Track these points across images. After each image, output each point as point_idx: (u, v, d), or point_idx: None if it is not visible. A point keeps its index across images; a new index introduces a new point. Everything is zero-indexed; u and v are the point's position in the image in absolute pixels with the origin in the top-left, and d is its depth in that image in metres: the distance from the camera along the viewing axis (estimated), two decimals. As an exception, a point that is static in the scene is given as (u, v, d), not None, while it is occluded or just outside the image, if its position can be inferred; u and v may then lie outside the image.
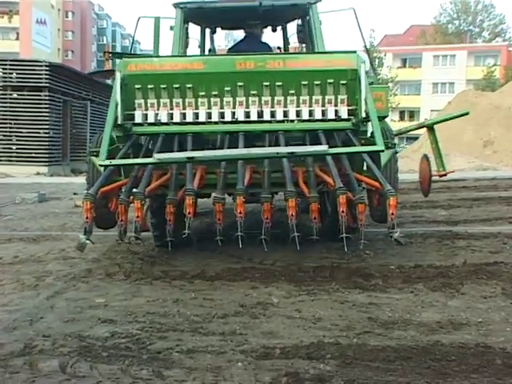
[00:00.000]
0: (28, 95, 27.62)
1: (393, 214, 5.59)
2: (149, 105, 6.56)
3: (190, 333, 4.54)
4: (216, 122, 6.53)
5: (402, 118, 76.49)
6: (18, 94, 27.77)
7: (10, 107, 27.82)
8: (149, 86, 6.52)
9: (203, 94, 6.54)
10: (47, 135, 27.59)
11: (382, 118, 6.79)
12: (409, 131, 10.66)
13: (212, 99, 6.52)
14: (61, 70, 29.66)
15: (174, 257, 7.07)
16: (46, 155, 27.64)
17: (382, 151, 5.94)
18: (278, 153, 5.97)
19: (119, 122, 6.30)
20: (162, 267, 6.65)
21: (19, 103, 27.71)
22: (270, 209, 5.80)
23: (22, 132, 27.64)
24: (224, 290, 5.70)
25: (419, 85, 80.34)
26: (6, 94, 27.89)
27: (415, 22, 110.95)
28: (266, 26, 9.57)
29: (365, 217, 5.90)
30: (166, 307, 5.17)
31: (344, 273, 6.19)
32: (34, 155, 27.31)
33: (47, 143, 27.72)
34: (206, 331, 4.57)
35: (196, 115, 6.54)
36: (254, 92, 6.50)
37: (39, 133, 27.51)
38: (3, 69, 27.99)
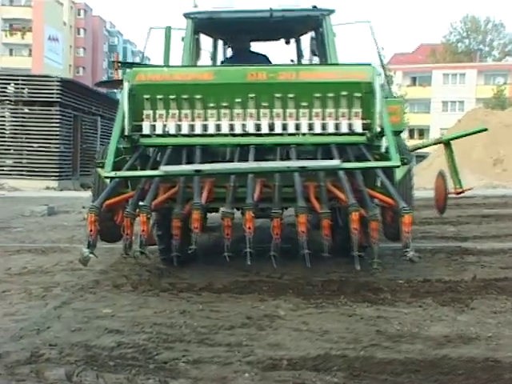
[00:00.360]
0: (39, 110, 27.84)
1: (407, 232, 5.41)
2: (157, 116, 6.43)
3: (196, 344, 4.52)
4: (226, 135, 6.40)
5: (411, 136, 76.36)
6: (30, 109, 28.00)
7: (22, 122, 28.05)
8: (158, 97, 6.39)
9: (213, 105, 6.40)
10: (58, 150, 27.75)
11: (397, 133, 6.64)
12: (425, 147, 10.41)
13: (222, 111, 6.38)
14: (72, 85, 29.91)
15: (182, 269, 7.05)
16: (56, 170, 27.77)
17: (398, 167, 5.78)
18: (288, 167, 5.78)
19: (126, 133, 6.18)
20: (169, 279, 6.64)
21: (30, 118, 27.94)
22: (279, 225, 5.62)
23: (32, 146, 27.82)
24: (231, 302, 5.68)
25: (429, 103, 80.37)
26: (17, 109, 28.14)
27: (425, 41, 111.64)
28: (278, 39, 9.52)
29: (378, 234, 5.67)
30: (173, 318, 5.15)
31: (352, 287, 6.17)
32: (44, 170, 27.44)
33: (57, 158, 27.87)
34: (213, 342, 4.55)
35: (205, 127, 6.41)
36: (266, 104, 6.35)
37: (50, 147, 27.66)
38: (15, 84, 28.26)
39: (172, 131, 6.41)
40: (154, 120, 6.44)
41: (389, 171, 6.09)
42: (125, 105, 6.16)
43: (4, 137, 28.13)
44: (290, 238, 6.97)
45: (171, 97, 6.37)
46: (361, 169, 6.03)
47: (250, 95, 6.33)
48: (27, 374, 3.88)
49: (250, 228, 5.54)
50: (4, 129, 28.28)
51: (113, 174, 5.82)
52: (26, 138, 27.86)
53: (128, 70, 6.78)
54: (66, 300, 5.78)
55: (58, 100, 27.64)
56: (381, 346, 4.42)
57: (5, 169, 28.05)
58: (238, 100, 6.35)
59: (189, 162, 6.23)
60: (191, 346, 4.47)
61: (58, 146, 27.77)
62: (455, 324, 4.96)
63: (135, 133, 6.39)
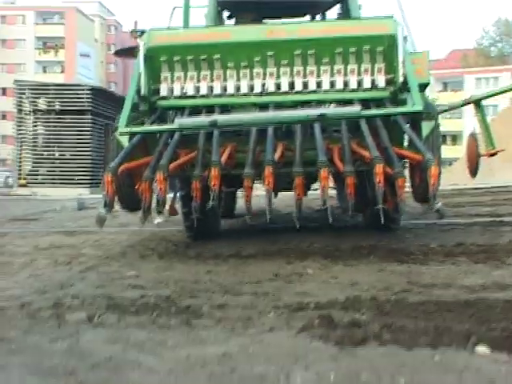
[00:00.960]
0: (71, 119, 28.22)
1: (434, 184, 5.16)
2: (175, 78, 6.23)
3: (221, 294, 4.41)
4: (245, 94, 6.17)
5: (444, 142, 75.40)
6: (61, 118, 28.37)
7: (54, 131, 28.44)
8: (175, 58, 6.19)
9: (232, 65, 6.17)
10: (90, 158, 28.03)
11: (422, 87, 6.26)
12: (454, 108, 9.63)
13: (241, 71, 6.15)
14: (103, 93, 30.35)
15: (209, 241, 6.97)
16: (88, 177, 28.06)
17: (421, 113, 5.46)
18: (307, 115, 5.42)
19: (142, 93, 5.98)
20: (196, 249, 6.56)
21: (63, 127, 28.30)
22: (302, 184, 5.37)
23: (65, 155, 28.16)
24: (258, 264, 5.56)
25: (461, 108, 79.22)
26: (49, 118, 28.57)
27: (457, 47, 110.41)
28: (304, 15, 9.33)
29: (404, 192, 5.43)
30: (198, 276, 5.05)
31: (383, 251, 5.99)
32: (76, 177, 27.75)
33: (89, 165, 28.17)
34: (238, 292, 4.43)
35: (224, 88, 6.19)
36: (285, 62, 6.11)
37: (82, 155, 27.99)
38: (47, 94, 28.71)
39: (190, 93, 6.21)
40: (172, 82, 6.24)
41: (416, 126, 5.82)
42: (141, 65, 5.94)
43: (36, 146, 28.55)
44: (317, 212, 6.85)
45: (189, 58, 6.17)
46: (382, 115, 5.76)
47: (269, 53, 6.09)
48: (47, 317, 3.80)
49: (269, 183, 5.30)
50: (37, 138, 28.72)
51: (127, 129, 5.68)
52: (59, 147, 28.25)
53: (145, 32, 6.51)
54: (91, 266, 5.72)
55: (90, 108, 28.01)
56: (412, 292, 4.24)
57: (38, 178, 28.46)
58: (257, 59, 6.11)
59: None
60: (216, 295, 4.36)
61: (89, 153, 28.06)
62: (490, 277, 4.74)
63: (153, 96, 6.22)
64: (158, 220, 7.19)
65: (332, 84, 6.11)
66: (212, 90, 6.19)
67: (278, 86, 6.12)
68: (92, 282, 4.93)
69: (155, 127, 6.05)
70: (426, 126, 5.80)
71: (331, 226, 6.21)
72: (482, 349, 2.98)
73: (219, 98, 6.21)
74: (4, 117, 69.79)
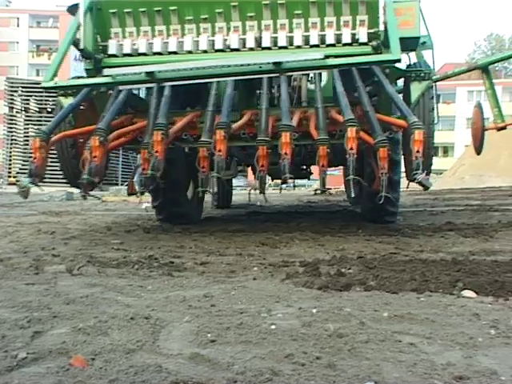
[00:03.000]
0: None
1: (418, 151, 4.41)
2: (127, 34, 5.42)
3: (205, 254, 4.32)
4: (204, 51, 5.28)
5: (435, 154, 75.48)
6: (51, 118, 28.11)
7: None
8: (125, 10, 5.36)
9: (190, 18, 5.31)
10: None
11: (412, 42, 5.51)
12: (457, 74, 8.10)
13: (201, 25, 5.31)
14: (95, 93, 30.03)
15: (199, 222, 6.88)
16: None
17: (398, 61, 4.58)
18: (260, 65, 4.50)
19: (82, 47, 5.14)
20: (183, 226, 6.45)
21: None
22: (289, 142, 4.48)
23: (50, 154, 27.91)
24: (245, 236, 5.47)
25: (453, 120, 79.58)
26: (41, 118, 28.35)
27: (449, 60, 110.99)
28: None
29: (387, 164, 4.52)
30: (183, 243, 4.98)
31: (372, 228, 5.92)
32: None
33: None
34: (223, 254, 4.35)
35: (180, 44, 5.33)
36: (252, 14, 5.24)
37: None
38: (39, 93, 28.53)
39: (142, 50, 5.38)
40: (122, 38, 5.44)
41: (404, 90, 5.31)
42: (81, 16, 5.06)
43: (28, 145, 28.32)
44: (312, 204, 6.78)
45: (141, 10, 5.36)
46: (351, 65, 4.82)
47: (233, 4, 5.24)
48: (26, 267, 3.70)
49: (220, 151, 4.52)
50: (28, 137, 28.50)
51: (52, 83, 4.82)
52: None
53: None
54: (75, 235, 5.63)
55: (81, 108, 27.78)
56: (400, 255, 4.18)
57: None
58: (219, 10, 5.27)
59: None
60: (200, 255, 4.28)
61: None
62: (478, 246, 4.69)
63: (98, 54, 5.40)
64: (146, 204, 7.06)
65: (306, 40, 5.21)
66: (167, 47, 5.37)
67: (244, 43, 5.27)
68: (74, 246, 4.83)
69: (82, 80, 5.27)
70: (416, 88, 5.22)
71: (321, 212, 6.12)
72: (468, 292, 2.92)
73: (174, 56, 5.33)
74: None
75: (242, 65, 4.53)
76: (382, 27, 4.89)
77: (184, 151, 5.66)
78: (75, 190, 18.04)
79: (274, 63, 4.42)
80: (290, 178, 8.15)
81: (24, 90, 29.07)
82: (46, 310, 2.61)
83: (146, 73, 4.58)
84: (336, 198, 12.77)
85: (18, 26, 77.91)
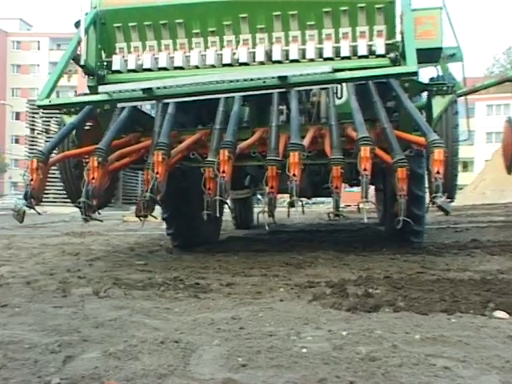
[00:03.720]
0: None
1: (438, 172, 4.08)
2: (132, 48, 5.16)
3: (230, 275, 4.31)
4: (212, 66, 4.97)
5: (455, 169, 74.97)
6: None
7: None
8: (130, 24, 5.11)
9: (197, 31, 5.04)
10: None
11: (434, 53, 5.18)
12: (487, 87, 7.30)
13: (209, 38, 5.02)
14: (115, 113, 30.32)
15: (222, 242, 6.88)
16: (99, 196, 28.02)
17: (414, 74, 4.18)
18: (264, 81, 4.14)
19: (82, 63, 4.86)
20: (206, 246, 6.45)
21: (74, 146, 28.35)
22: (297, 162, 4.20)
23: (76, 174, 28.18)
24: (269, 256, 5.45)
25: (472, 135, 79.22)
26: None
27: (467, 75, 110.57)
28: None
29: (406, 185, 4.21)
30: (207, 263, 4.97)
31: (395, 246, 5.86)
32: (87, 196, 27.72)
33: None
34: (248, 274, 4.34)
35: (187, 59, 5.04)
36: (262, 26, 4.92)
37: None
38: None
39: (147, 65, 5.08)
40: (129, 53, 5.17)
41: (427, 105, 4.98)
42: (82, 30, 4.83)
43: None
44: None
45: (147, 23, 5.09)
46: (363, 79, 4.47)
47: (242, 15, 4.93)
48: (53, 290, 3.72)
49: (224, 172, 4.32)
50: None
51: (47, 101, 4.55)
52: (70, 166, 28.26)
53: None
54: (99, 256, 5.66)
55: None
56: (427, 274, 4.13)
57: (49, 196, 28.48)
58: (227, 23, 4.97)
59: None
60: (225, 276, 4.27)
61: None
62: (506, 264, 4.63)
63: (102, 70, 5.15)
64: None
65: (319, 52, 4.85)
66: (173, 62, 5.08)
67: (253, 57, 4.95)
68: (99, 268, 4.85)
69: (77, 98, 5.13)
70: (438, 103, 4.91)
71: (343, 230, 6.09)
72: (500, 313, 2.87)
73: (181, 71, 5.07)
74: (17, 141, 70.35)
75: (244, 80, 4.17)
76: (399, 37, 4.52)
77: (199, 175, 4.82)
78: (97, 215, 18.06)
79: (279, 77, 4.10)
80: (312, 197, 8.03)
81: (45, 111, 29.34)
82: (76, 333, 2.61)
83: (143, 89, 4.30)
84: (357, 216, 12.69)
85: (38, 49, 79.10)
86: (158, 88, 4.31)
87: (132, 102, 4.78)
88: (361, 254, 5.30)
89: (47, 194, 28.41)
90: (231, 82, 4.19)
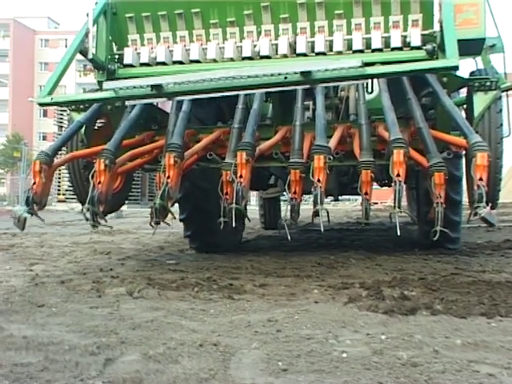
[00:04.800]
0: (110, 135, 28.42)
1: (481, 179, 3.63)
2: (145, 40, 4.82)
3: (263, 275, 4.30)
4: (231, 59, 4.60)
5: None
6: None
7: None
8: (143, 14, 4.77)
9: (215, 21, 4.68)
10: (127, 174, 28.15)
11: (476, 44, 4.83)
12: None
13: (228, 29, 4.66)
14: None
15: (253, 241, 6.87)
16: (126, 193, 28.15)
17: (455, 68, 3.73)
18: (286, 77, 3.73)
19: (91, 56, 4.54)
20: (239, 245, 6.46)
21: (101, 143, 28.55)
22: (322, 167, 3.80)
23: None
24: (300, 256, 5.43)
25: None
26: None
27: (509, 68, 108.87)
28: None
29: (444, 192, 3.84)
30: (239, 263, 4.95)
31: (427, 247, 5.80)
32: (113, 193, 27.88)
33: (127, 182, 28.25)
34: (280, 275, 4.32)
35: (204, 51, 4.69)
36: (285, 16, 4.54)
37: (120, 172, 28.11)
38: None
39: (161, 58, 4.73)
40: (142, 45, 4.83)
41: (467, 102, 4.59)
42: (90, 21, 4.49)
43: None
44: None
45: (161, 13, 4.74)
46: (397, 74, 3.96)
47: (264, 4, 4.56)
48: (87, 290, 3.74)
49: (242, 177, 3.93)
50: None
51: (48, 99, 4.24)
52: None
53: None
54: (130, 255, 5.68)
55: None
56: (462, 275, 4.08)
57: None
58: (247, 12, 4.60)
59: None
60: (257, 277, 4.26)
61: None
62: (544, 266, 4.55)
63: (112, 64, 4.84)
64: None
65: (348, 44, 4.46)
66: (189, 55, 4.71)
67: (276, 49, 4.57)
68: (131, 267, 4.87)
69: (80, 96, 4.81)
70: (480, 100, 4.46)
71: (373, 229, 6.05)
72: (543, 317, 2.82)
73: (197, 65, 4.70)
74: (45, 138, 71.14)
75: (264, 75, 3.74)
76: (437, 27, 4.09)
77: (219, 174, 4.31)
78: (123, 209, 18.05)
79: (302, 73, 3.67)
80: (340, 195, 7.72)
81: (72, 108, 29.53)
82: (114, 335, 2.62)
83: (152, 86, 3.94)
84: (385, 214, 12.60)
85: (66, 46, 79.71)
86: (169, 84, 3.95)
87: (140, 100, 4.37)
88: (393, 254, 5.25)
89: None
90: (249, 77, 3.79)
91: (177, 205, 5.63)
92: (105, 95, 4.25)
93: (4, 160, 53.52)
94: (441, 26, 4.00)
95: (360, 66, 3.58)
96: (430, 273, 4.21)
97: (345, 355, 2.26)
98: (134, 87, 3.99)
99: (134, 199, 28.85)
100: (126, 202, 18.27)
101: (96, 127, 5.05)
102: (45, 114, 71.82)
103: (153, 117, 5.35)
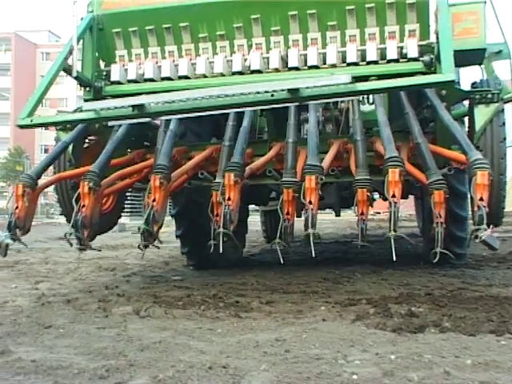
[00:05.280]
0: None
1: (481, 199, 3.41)
2: (133, 56, 4.66)
3: (269, 292, 4.29)
4: (222, 74, 4.45)
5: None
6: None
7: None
8: (131, 29, 4.62)
9: (204, 35, 4.51)
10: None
11: (476, 54, 4.62)
12: None
13: (217, 43, 4.50)
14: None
15: (257, 254, 6.87)
16: (128, 206, 28.19)
17: (451, 83, 3.49)
18: (272, 94, 3.49)
19: (75, 74, 4.40)
20: (240, 261, 6.45)
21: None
22: (314, 188, 3.59)
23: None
24: (305, 270, 5.43)
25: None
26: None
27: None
28: None
29: (444, 212, 3.61)
30: (244, 279, 4.95)
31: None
32: (116, 206, 27.92)
33: (129, 195, 28.30)
34: (286, 291, 4.31)
35: (194, 67, 4.53)
36: (277, 28, 4.36)
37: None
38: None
39: (149, 74, 4.57)
40: (130, 61, 4.67)
41: (468, 116, 4.36)
42: (74, 38, 4.33)
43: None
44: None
45: (148, 28, 4.59)
46: (385, 90, 3.89)
47: (254, 16, 4.39)
48: (94, 309, 3.73)
49: (230, 199, 3.72)
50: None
51: (28, 120, 4.00)
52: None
53: None
54: (135, 271, 5.69)
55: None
56: (469, 290, 4.08)
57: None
58: (237, 25, 4.44)
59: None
60: (264, 293, 4.25)
61: (129, 182, 28.25)
62: (551, 279, 4.54)
63: (99, 81, 4.68)
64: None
65: (342, 56, 4.28)
66: (177, 71, 4.56)
67: (267, 63, 4.40)
68: (137, 284, 4.87)
69: (61, 117, 4.63)
70: (482, 113, 4.23)
71: (377, 241, 6.04)
72: (553, 335, 2.81)
73: (186, 81, 4.56)
74: (46, 150, 71.25)
75: (249, 93, 3.54)
76: (433, 38, 3.97)
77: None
78: (125, 221, 17.94)
79: (290, 90, 3.46)
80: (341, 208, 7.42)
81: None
82: (122, 357, 2.61)
83: (134, 106, 3.70)
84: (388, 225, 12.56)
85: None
86: (152, 104, 3.75)
87: (122, 120, 4.19)
88: (398, 267, 5.24)
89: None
90: (234, 96, 3.58)
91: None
92: (85, 116, 4.02)
93: (6, 173, 53.62)
94: (437, 37, 3.85)
95: (350, 82, 3.34)
96: (437, 287, 4.21)
97: (355, 377, 2.25)
98: (116, 107, 3.80)
99: (137, 212, 28.90)
100: (129, 214, 18.17)
101: (85, 146, 4.88)
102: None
103: (144, 134, 5.17)
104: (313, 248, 3.42)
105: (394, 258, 3.43)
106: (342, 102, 5.26)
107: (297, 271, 5.32)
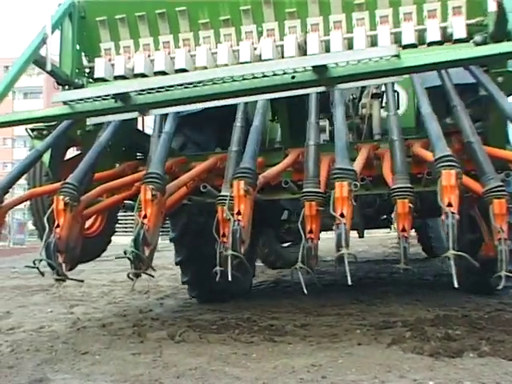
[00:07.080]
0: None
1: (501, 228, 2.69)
2: (121, 49, 4.01)
3: (303, 315, 4.28)
4: (226, 65, 3.71)
5: None
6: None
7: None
8: (118, 17, 3.97)
9: (205, 21, 3.85)
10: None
11: None
12: None
13: (221, 30, 3.83)
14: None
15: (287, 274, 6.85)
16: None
17: None
18: (293, 76, 2.54)
19: (50, 69, 3.58)
20: (274, 280, 6.45)
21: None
22: (346, 197, 2.79)
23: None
24: (338, 291, 5.39)
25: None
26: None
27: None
28: None
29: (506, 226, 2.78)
30: (277, 301, 4.94)
31: (465, 285, 5.70)
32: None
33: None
34: (320, 314, 4.29)
35: (193, 58, 3.86)
36: (292, 10, 3.70)
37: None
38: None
39: (139, 69, 3.91)
40: (118, 54, 4.03)
41: None
42: (48, 26, 3.55)
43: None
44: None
45: (139, 14, 3.93)
46: (439, 65, 2.67)
47: None
48: (129, 334, 3.76)
49: (240, 214, 2.85)
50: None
51: None
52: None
53: None
54: (168, 294, 5.72)
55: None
56: (507, 311, 4.01)
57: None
58: (245, 7, 3.78)
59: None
60: (297, 316, 4.24)
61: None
62: None
63: (80, 77, 3.99)
64: None
65: (372, 41, 3.61)
66: (174, 64, 3.89)
67: (281, 51, 3.73)
68: (171, 307, 4.89)
69: (26, 114, 3.26)
70: None
71: (411, 260, 5.94)
72: None
73: (184, 75, 3.39)
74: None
75: (263, 75, 2.58)
76: (492, 7, 3.23)
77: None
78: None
79: (315, 69, 2.50)
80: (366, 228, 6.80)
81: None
82: (159, 385, 2.62)
83: (116, 96, 2.76)
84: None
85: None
86: (139, 93, 2.78)
87: (104, 116, 3.10)
88: (433, 287, 5.18)
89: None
90: (245, 79, 2.62)
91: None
92: (58, 112, 3.01)
93: None
94: (499, 5, 3.05)
95: (395, 55, 2.44)
96: (474, 309, 4.15)
97: (394, 405, 2.23)
98: (94, 99, 2.82)
99: (168, 229, 29.06)
100: (160, 233, 18.09)
101: (66, 158, 4.04)
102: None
103: (136, 143, 4.44)
104: (348, 273, 2.74)
105: (456, 285, 2.62)
106: (363, 107, 4.64)
107: (330, 292, 5.29)
